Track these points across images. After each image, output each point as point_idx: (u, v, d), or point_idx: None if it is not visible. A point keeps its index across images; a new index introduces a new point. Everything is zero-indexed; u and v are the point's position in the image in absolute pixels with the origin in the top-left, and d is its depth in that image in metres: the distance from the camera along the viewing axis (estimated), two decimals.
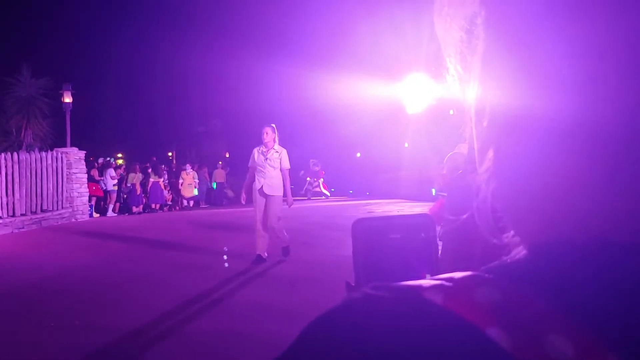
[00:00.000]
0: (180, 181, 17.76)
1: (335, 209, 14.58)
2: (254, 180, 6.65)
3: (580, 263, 0.28)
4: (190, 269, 6.41)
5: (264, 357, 3.58)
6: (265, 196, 6.49)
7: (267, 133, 6.62)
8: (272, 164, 6.55)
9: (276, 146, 6.65)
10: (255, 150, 6.70)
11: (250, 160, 6.75)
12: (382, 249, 0.56)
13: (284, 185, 6.63)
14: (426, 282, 0.30)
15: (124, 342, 3.90)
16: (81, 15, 38.30)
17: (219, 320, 4.43)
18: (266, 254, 6.52)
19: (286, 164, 6.65)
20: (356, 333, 0.27)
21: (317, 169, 22.25)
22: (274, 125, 6.75)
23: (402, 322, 0.27)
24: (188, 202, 18.12)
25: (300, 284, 5.55)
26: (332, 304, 0.30)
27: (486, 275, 0.29)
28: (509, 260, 0.31)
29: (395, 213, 0.65)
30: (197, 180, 18.13)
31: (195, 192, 18.23)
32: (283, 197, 6.69)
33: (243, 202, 6.95)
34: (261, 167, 6.55)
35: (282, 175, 6.62)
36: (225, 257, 6.67)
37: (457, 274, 0.30)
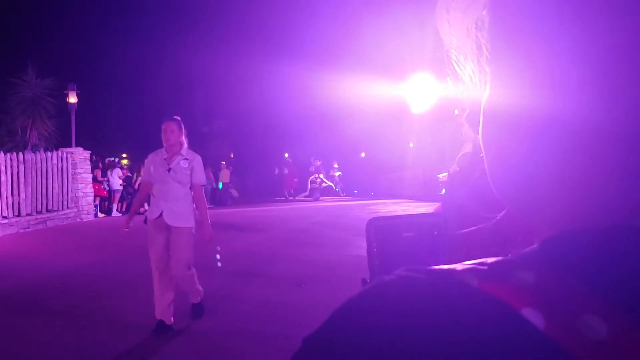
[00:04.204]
0: None
1: (340, 209, 14.59)
2: (146, 202, 4.48)
3: (609, 247, 0.28)
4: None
5: (273, 356, 3.59)
6: (167, 229, 4.17)
7: (170, 131, 4.24)
8: (178, 179, 4.20)
9: (184, 151, 4.31)
10: (151, 158, 4.35)
11: (144, 173, 4.51)
12: (395, 247, 0.58)
13: (198, 211, 4.35)
14: (459, 265, 0.30)
15: (130, 341, 3.91)
16: (86, 16, 38.51)
17: (227, 319, 4.44)
18: (172, 319, 4.19)
19: (201, 179, 4.34)
20: (392, 312, 0.28)
21: (318, 163, 22.07)
22: (178, 117, 4.37)
23: (437, 302, 0.28)
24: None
25: (307, 283, 5.55)
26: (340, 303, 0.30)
27: (518, 259, 0.30)
28: (536, 247, 0.31)
29: (401, 213, 0.67)
30: None
31: None
32: (196, 228, 4.32)
33: (126, 230, 4.42)
34: (161, 183, 4.20)
35: (195, 195, 4.33)
36: (218, 256, 6.50)
37: (490, 259, 0.30)
